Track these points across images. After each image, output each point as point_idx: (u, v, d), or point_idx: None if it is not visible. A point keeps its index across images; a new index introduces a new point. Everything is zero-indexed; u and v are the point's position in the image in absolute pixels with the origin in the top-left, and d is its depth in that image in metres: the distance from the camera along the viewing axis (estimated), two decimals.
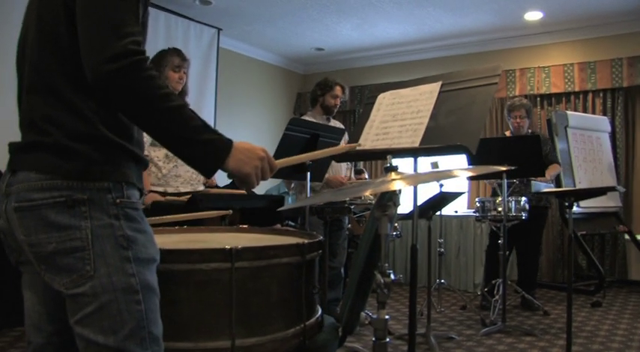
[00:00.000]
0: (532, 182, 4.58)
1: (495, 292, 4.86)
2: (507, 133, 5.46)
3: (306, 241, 1.89)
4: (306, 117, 4.53)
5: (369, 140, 2.13)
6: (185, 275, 1.74)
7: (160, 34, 6.01)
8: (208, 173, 1.36)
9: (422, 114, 2.00)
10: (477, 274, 6.22)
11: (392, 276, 1.54)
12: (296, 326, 1.88)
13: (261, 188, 6.21)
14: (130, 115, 1.30)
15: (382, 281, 1.52)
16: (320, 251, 2.03)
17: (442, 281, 5.03)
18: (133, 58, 1.23)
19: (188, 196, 3.24)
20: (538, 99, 7.13)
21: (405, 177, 1.50)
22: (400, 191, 1.50)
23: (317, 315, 2.01)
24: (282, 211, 3.67)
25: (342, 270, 4.80)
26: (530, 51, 7.15)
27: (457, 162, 5.00)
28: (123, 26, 1.25)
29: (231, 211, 3.01)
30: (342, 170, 4.62)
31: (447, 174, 1.60)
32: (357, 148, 2.12)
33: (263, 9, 6.37)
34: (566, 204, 3.09)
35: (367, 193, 1.45)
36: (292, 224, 5.00)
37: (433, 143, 1.89)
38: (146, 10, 1.41)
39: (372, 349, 1.59)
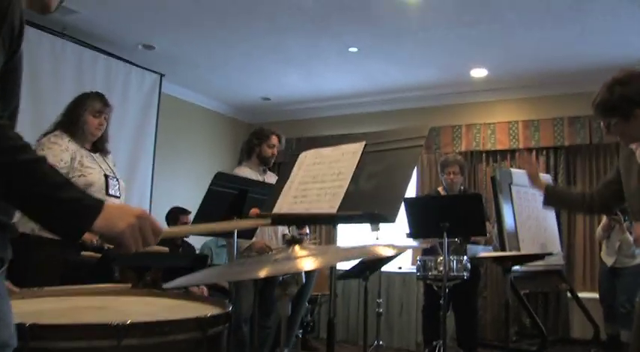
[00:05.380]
0: (468, 246, 4.48)
1: None
2: (440, 189, 5.39)
3: (208, 314, 1.69)
4: (242, 168, 4.36)
5: (286, 202, 1.97)
6: None
7: (98, 77, 5.80)
8: (71, 237, 1.16)
9: (342, 176, 1.85)
10: (419, 332, 6.04)
11: None
12: None
13: (197, 240, 5.95)
14: None
15: None
16: (227, 324, 1.83)
17: (380, 342, 4.83)
18: None
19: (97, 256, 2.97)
20: (484, 155, 7.15)
21: (312, 254, 1.33)
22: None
23: None
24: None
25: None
26: (476, 107, 7.20)
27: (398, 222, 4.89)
28: None
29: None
30: (279, 228, 4.42)
31: (364, 251, 1.45)
32: (274, 211, 1.96)
33: (208, 55, 6.25)
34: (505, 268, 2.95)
35: (262, 274, 1.27)
36: None
37: (353, 209, 1.74)
38: (15, 54, 1.22)
39: None
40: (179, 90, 7.28)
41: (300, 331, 4.52)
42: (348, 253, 1.48)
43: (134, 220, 1.21)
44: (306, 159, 2.07)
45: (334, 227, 1.88)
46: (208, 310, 1.90)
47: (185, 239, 5.59)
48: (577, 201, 2.90)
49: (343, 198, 1.79)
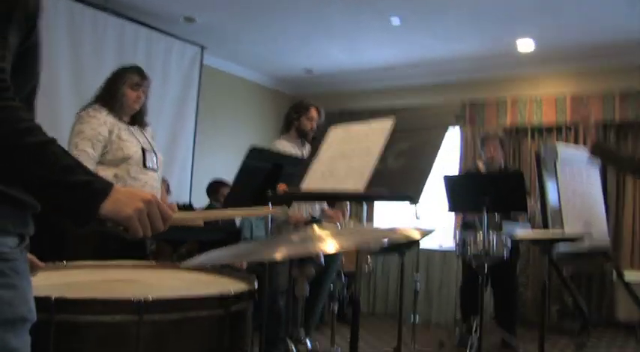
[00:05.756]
0: (503, 223, 4.38)
1: (474, 330, 4.63)
2: (480, 164, 5.27)
3: (231, 291, 1.68)
4: (280, 142, 4.33)
5: (314, 179, 1.94)
6: (87, 328, 1.53)
7: (139, 51, 5.84)
8: (80, 222, 1.15)
9: (370, 153, 1.81)
10: (458, 309, 5.99)
11: (308, 344, 1.33)
12: None
13: None
14: None
15: (295, 349, 1.31)
16: (251, 300, 1.82)
17: (417, 318, 4.80)
18: None
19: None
20: (529, 130, 6.95)
21: (331, 236, 1.30)
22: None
23: None
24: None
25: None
26: (522, 80, 6.99)
27: (434, 194, 4.80)
28: None
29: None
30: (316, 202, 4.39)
31: (388, 234, 1.40)
32: (303, 188, 1.93)
33: (249, 27, 6.22)
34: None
35: (278, 257, 1.24)
36: None
37: (380, 187, 1.70)
38: (32, 33, 1.21)
39: None
40: (220, 63, 7.29)
41: (336, 304, 4.53)
42: (370, 236, 1.45)
43: (142, 205, 1.19)
44: (336, 134, 2.03)
45: (362, 205, 1.84)
46: (235, 286, 1.90)
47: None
48: (627, 157, 2.74)
49: (371, 176, 1.75)
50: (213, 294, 1.69)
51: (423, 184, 1.59)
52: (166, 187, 5.73)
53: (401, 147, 1.73)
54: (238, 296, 1.72)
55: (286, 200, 1.85)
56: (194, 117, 6.49)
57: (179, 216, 1.32)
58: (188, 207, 5.68)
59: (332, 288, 4.36)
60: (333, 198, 2.42)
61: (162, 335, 1.59)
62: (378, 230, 1.48)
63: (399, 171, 1.67)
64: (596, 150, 2.83)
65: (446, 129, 1.70)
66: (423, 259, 6.36)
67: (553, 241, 3.38)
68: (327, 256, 3.43)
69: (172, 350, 1.61)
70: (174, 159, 6.21)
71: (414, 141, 1.71)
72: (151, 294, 1.55)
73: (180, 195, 6.10)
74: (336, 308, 4.42)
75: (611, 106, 6.44)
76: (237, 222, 5.88)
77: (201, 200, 6.08)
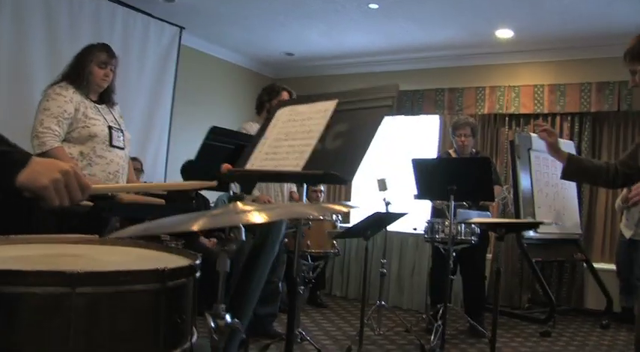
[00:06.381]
0: (459, 210, 4.42)
1: (439, 316, 4.68)
2: (451, 151, 5.30)
3: (167, 266, 1.70)
4: (250, 124, 4.35)
5: (258, 159, 1.95)
6: (18, 300, 1.54)
7: (116, 30, 5.80)
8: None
9: (311, 134, 1.82)
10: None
11: (227, 319, 1.35)
12: None
13: (213, 195, 6.00)
14: None
15: (214, 324, 1.34)
16: (191, 276, 1.84)
17: (382, 302, 4.84)
18: None
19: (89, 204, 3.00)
20: (506, 118, 7.00)
21: (253, 210, 1.32)
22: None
23: (183, 347, 1.82)
24: None
25: (281, 285, 4.62)
26: (501, 69, 7.02)
27: (406, 180, 4.83)
28: None
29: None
30: (285, 185, 4.41)
31: (314, 209, 1.42)
32: (248, 167, 1.95)
33: (229, 9, 6.19)
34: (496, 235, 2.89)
35: (195, 227, 1.27)
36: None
37: (318, 168, 1.72)
38: None
39: None
40: (200, 44, 7.25)
41: (303, 287, 4.56)
42: (292, 210, 1.47)
43: (58, 176, 1.21)
44: (282, 115, 2.04)
45: (300, 185, 1.86)
46: (177, 262, 1.91)
47: (199, 192, 5.62)
48: (599, 173, 2.71)
49: (309, 156, 1.77)
50: (150, 268, 1.70)
51: (357, 166, 1.61)
52: (140, 166, 5.74)
53: (340, 128, 1.75)
54: (176, 271, 1.73)
55: (233, 180, 1.86)
56: (171, 98, 6.47)
57: (100, 186, 1.33)
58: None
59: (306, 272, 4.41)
60: (272, 179, 2.44)
61: (95, 308, 1.60)
62: (305, 205, 1.50)
63: (336, 152, 1.68)
64: (570, 173, 2.76)
65: (385, 112, 1.71)
66: (397, 243, 6.40)
67: (510, 227, 3.39)
68: (263, 236, 3.47)
69: (106, 324, 1.61)
70: (149, 139, 6.20)
71: (352, 122, 1.73)
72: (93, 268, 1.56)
73: (155, 175, 6.10)
74: (301, 290, 4.47)
75: (587, 97, 6.48)
76: (212, 201, 5.90)
77: (176, 180, 6.08)
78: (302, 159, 1.76)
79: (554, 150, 2.77)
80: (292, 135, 1.90)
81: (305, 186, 1.91)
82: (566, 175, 2.79)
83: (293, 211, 1.46)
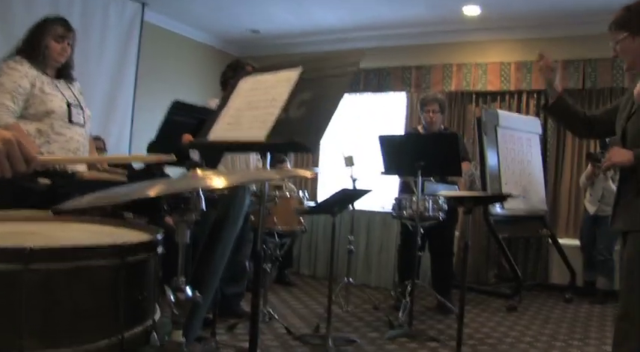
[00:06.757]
0: (426, 184, 4.41)
1: (407, 293, 4.69)
2: (419, 128, 5.28)
3: (125, 241, 1.64)
4: (214, 100, 4.25)
5: (220, 129, 1.89)
6: None
7: (75, 7, 5.60)
8: None
9: (275, 103, 1.77)
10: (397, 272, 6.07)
11: (188, 292, 1.30)
12: (111, 337, 1.63)
13: (177, 172, 5.88)
14: None
15: (174, 299, 1.28)
16: (152, 252, 1.78)
17: (350, 279, 4.84)
18: None
19: (46, 182, 2.91)
20: (473, 96, 7.02)
21: (212, 176, 1.27)
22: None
23: (145, 324, 1.77)
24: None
25: (248, 264, 4.57)
26: (468, 46, 7.02)
27: (373, 157, 4.80)
28: None
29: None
30: (251, 160, 4.34)
31: (269, 175, 1.37)
32: (210, 139, 1.89)
33: None
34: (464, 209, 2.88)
35: (152, 193, 1.21)
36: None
37: (281, 137, 1.66)
38: None
39: None
40: (163, 21, 7.07)
41: (270, 266, 4.52)
42: (249, 176, 1.42)
43: (0, 146, 1.14)
44: (245, 85, 1.98)
45: (264, 156, 1.80)
46: (137, 237, 1.85)
47: (164, 171, 5.52)
48: (579, 116, 2.82)
49: (273, 125, 1.71)
50: (107, 243, 1.63)
51: (321, 135, 1.56)
52: (102, 146, 5.60)
53: (304, 96, 1.69)
54: (136, 247, 1.67)
55: (161, 161, 1.80)
56: (134, 76, 6.33)
57: (47, 158, 1.26)
58: (127, 166, 5.56)
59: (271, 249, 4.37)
60: (235, 149, 2.38)
61: (50, 285, 1.53)
62: (265, 171, 1.45)
63: (299, 121, 1.63)
64: (555, 108, 2.86)
65: (349, 79, 1.66)
66: (364, 221, 6.39)
67: (478, 200, 3.39)
68: (225, 208, 3.39)
69: (63, 300, 1.55)
70: (112, 118, 6.06)
71: (316, 90, 1.67)
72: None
73: (118, 153, 5.97)
74: (269, 268, 4.43)
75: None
76: None
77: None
78: (265, 129, 1.71)
79: (550, 85, 2.85)
80: (255, 104, 1.84)
81: (269, 156, 1.85)
82: (549, 110, 2.89)
83: (253, 175, 1.40)
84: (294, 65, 1.84)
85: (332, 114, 1.58)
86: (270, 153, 1.83)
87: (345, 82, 1.65)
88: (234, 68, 4.33)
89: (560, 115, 2.90)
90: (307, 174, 1.34)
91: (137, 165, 5.82)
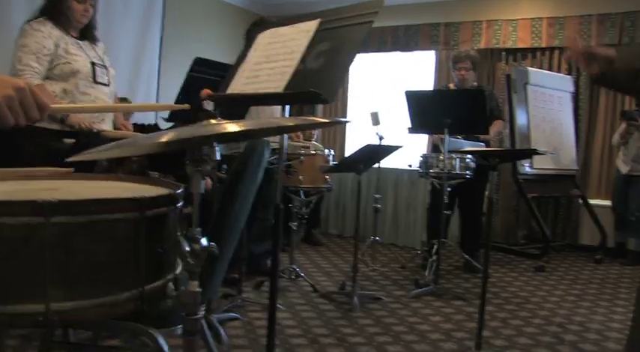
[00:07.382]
0: (451, 140, 4.34)
1: (434, 252, 4.67)
2: (451, 85, 5.19)
3: (146, 195, 1.64)
4: None
5: (238, 84, 1.87)
6: None
7: None
8: None
9: (293, 55, 1.74)
10: (425, 231, 6.05)
11: (203, 242, 1.30)
12: (132, 290, 1.65)
13: None
14: None
15: (189, 248, 1.29)
16: (172, 206, 1.79)
17: (377, 238, 4.83)
18: None
19: (72, 141, 2.94)
20: (503, 53, 6.85)
21: (225, 124, 1.25)
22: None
23: (166, 278, 1.78)
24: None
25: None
26: (498, 2, 6.81)
27: (401, 117, 4.74)
28: None
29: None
30: (276, 113, 4.31)
31: (287, 122, 1.36)
32: (228, 92, 1.87)
33: None
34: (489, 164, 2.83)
35: (164, 139, 1.20)
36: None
37: (298, 89, 1.64)
38: None
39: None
40: None
41: (297, 224, 4.53)
42: (269, 122, 1.40)
43: (12, 92, 1.14)
44: (263, 39, 1.95)
45: (283, 107, 1.77)
46: (157, 191, 1.86)
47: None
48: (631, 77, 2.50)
49: (291, 78, 1.69)
50: (124, 197, 1.64)
51: (338, 85, 1.53)
52: None
53: (322, 47, 1.66)
54: (155, 200, 1.67)
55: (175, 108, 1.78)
56: (159, 38, 6.31)
57: (61, 106, 1.26)
58: (154, 128, 5.59)
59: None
60: (253, 101, 2.36)
61: (70, 238, 1.54)
62: (283, 118, 1.43)
63: (317, 72, 1.60)
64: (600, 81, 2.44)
65: (367, 29, 1.62)
66: (392, 180, 6.36)
67: (503, 157, 3.32)
68: (242, 161, 3.38)
69: (82, 253, 1.56)
70: (138, 80, 6.08)
71: (334, 40, 1.64)
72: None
73: (146, 115, 5.99)
74: (295, 227, 4.43)
75: (588, 30, 6.30)
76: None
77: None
78: (283, 81, 1.68)
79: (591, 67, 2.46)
80: (273, 57, 1.82)
81: (287, 110, 1.83)
82: (598, 82, 2.52)
83: (268, 122, 1.39)
84: (312, 17, 1.80)
85: (349, 65, 1.55)
86: (290, 106, 1.80)
87: (362, 31, 1.61)
88: (258, 24, 4.28)
89: (612, 85, 2.61)
90: (326, 121, 1.32)
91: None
